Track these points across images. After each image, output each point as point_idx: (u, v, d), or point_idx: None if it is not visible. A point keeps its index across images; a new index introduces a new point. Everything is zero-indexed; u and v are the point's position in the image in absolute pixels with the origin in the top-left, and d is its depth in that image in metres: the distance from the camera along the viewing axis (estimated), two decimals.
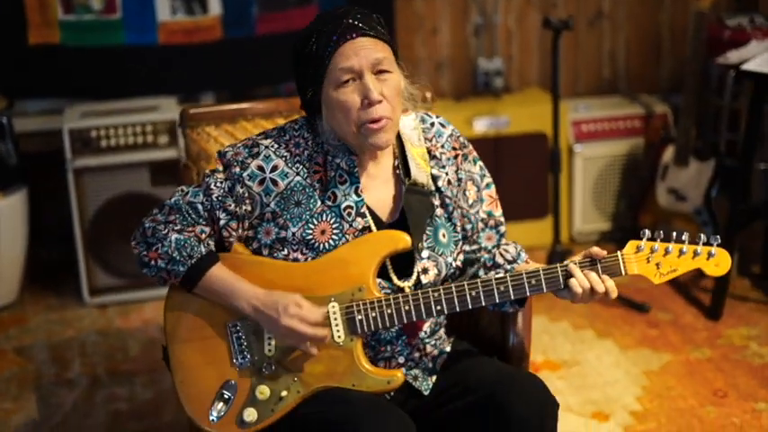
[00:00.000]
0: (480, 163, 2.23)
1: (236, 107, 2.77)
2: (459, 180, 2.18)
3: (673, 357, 3.51)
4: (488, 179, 2.23)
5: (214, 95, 4.37)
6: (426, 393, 2.15)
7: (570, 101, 4.57)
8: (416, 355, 2.16)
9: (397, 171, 2.13)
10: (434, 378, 2.17)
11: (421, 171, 2.12)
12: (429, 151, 2.17)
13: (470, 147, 2.23)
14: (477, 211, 2.20)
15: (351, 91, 2.00)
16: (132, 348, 3.72)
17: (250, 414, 2.04)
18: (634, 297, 3.91)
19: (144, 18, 4.17)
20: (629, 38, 4.74)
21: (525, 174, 4.32)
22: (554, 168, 3.94)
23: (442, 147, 2.18)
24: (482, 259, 2.21)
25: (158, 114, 4.02)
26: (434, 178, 2.15)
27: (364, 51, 1.99)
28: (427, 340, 2.17)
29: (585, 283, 2.01)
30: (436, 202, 2.14)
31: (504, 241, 2.25)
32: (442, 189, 2.15)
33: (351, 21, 2.00)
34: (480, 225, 2.20)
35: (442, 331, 2.22)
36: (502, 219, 2.24)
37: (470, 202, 2.19)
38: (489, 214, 2.22)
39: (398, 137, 2.14)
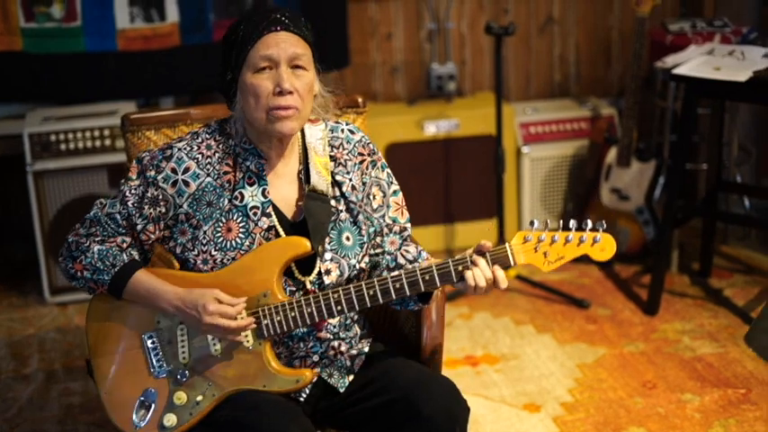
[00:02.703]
0: (388, 170, 2.35)
1: (175, 112, 2.88)
2: (364, 184, 2.29)
3: (607, 351, 3.65)
4: (396, 187, 2.35)
5: (173, 100, 4.50)
6: (342, 391, 2.27)
7: (520, 104, 4.72)
8: (331, 353, 2.26)
9: (300, 176, 2.26)
10: (351, 377, 2.28)
11: (321, 179, 2.24)
12: (335, 159, 2.28)
13: (379, 154, 2.35)
14: (383, 216, 2.31)
15: (266, 78, 2.13)
16: None
17: (170, 419, 2.17)
18: (575, 293, 4.06)
19: (103, 25, 4.30)
20: (579, 42, 4.88)
21: (475, 175, 4.46)
22: (498, 169, 4.07)
23: (349, 153, 2.30)
24: (384, 261, 2.32)
25: (116, 119, 4.14)
26: (339, 184, 2.27)
27: (284, 44, 2.13)
28: (342, 335, 2.28)
29: (473, 277, 2.10)
30: (341, 206, 2.25)
31: (411, 247, 2.35)
32: (347, 194, 2.27)
33: (279, 16, 2.16)
34: (385, 230, 2.31)
35: (356, 328, 2.32)
36: (407, 225, 2.35)
37: (375, 206, 2.30)
38: (394, 220, 2.33)
39: (304, 144, 2.27)
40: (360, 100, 2.94)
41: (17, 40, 4.26)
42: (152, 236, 2.22)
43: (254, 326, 2.14)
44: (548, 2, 4.80)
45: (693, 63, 3.76)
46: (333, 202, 2.24)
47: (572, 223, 2.14)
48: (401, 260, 2.32)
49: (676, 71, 3.70)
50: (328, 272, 2.21)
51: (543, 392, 3.39)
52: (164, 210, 2.20)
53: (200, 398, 2.17)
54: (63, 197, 4.14)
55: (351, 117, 2.92)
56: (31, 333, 3.97)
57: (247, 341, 2.15)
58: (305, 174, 2.25)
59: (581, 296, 4.03)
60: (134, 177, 2.22)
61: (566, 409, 3.29)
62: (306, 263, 2.21)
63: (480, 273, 2.10)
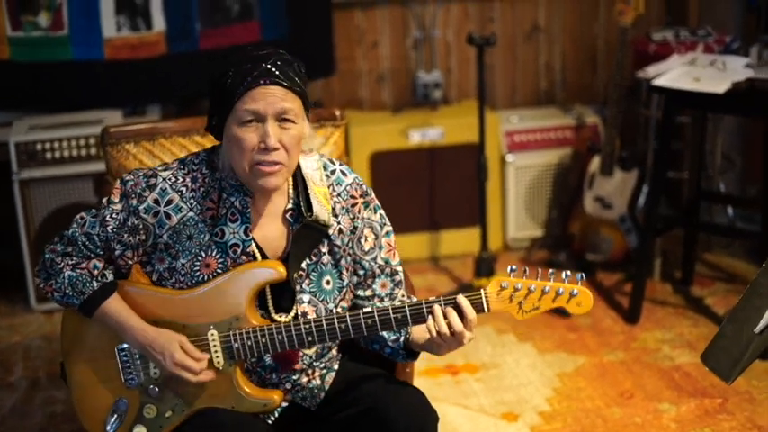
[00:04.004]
0: (381, 212, 2.30)
1: (154, 125, 2.91)
2: (355, 228, 2.25)
3: (587, 360, 3.67)
4: (388, 228, 2.30)
5: (160, 108, 4.53)
6: (314, 409, 2.30)
7: (506, 112, 4.75)
8: (305, 380, 2.28)
9: (287, 216, 2.22)
10: (323, 395, 2.30)
11: (323, 208, 2.20)
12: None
13: (372, 195, 2.29)
14: (375, 258, 2.27)
15: (251, 131, 2.07)
16: None
17: (140, 430, 2.21)
18: None
19: (90, 34, 4.32)
20: (564, 50, 4.91)
21: (460, 183, 4.48)
22: (480, 177, 4.10)
23: (338, 195, 2.25)
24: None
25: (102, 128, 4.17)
26: None
27: (272, 98, 2.06)
28: (316, 363, 2.29)
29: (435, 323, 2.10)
30: (324, 249, 2.22)
31: (401, 294, 2.32)
32: (332, 237, 2.22)
33: (269, 66, 2.07)
34: (377, 271, 2.28)
35: (332, 352, 2.33)
36: (399, 268, 2.31)
37: (366, 248, 2.26)
38: (386, 261, 2.29)
39: (300, 177, 2.22)
40: (337, 113, 2.94)
41: (4, 48, 4.29)
42: (130, 261, 2.21)
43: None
44: (533, 10, 4.83)
45: (674, 73, 3.78)
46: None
47: (551, 272, 2.12)
48: None
49: (656, 82, 3.72)
50: (305, 315, 2.20)
51: (522, 402, 3.42)
52: (143, 237, 2.18)
53: (169, 413, 2.21)
54: (49, 206, 4.18)
55: (328, 130, 2.94)
56: (17, 341, 4.00)
57: (218, 362, 2.17)
58: (305, 204, 2.20)
59: None
60: (116, 201, 2.18)
61: (543, 418, 3.31)
62: (285, 300, 2.21)
63: (442, 321, 2.09)
